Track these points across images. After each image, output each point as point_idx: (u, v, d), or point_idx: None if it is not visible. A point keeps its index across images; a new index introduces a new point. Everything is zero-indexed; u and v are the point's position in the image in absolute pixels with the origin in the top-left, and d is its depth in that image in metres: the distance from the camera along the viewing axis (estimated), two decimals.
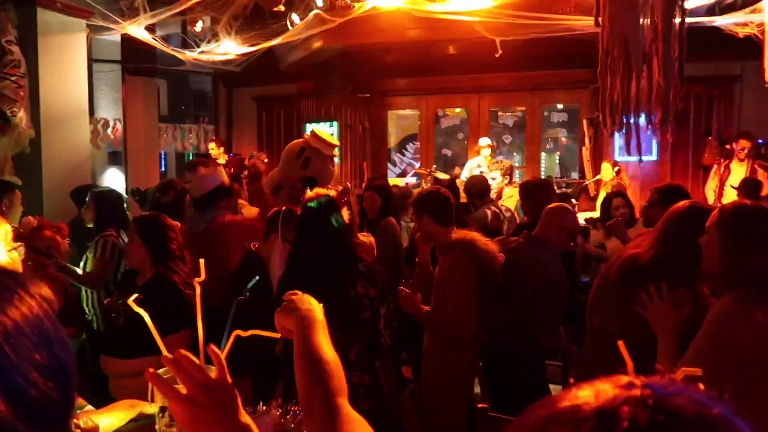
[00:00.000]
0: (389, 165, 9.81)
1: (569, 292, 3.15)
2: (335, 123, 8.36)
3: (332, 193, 2.40)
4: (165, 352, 1.25)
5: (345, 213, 2.37)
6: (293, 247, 2.41)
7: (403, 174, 9.26)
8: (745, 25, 4.94)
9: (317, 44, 6.76)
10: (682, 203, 2.08)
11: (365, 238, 3.19)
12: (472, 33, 5.53)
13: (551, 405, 0.46)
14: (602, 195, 6.88)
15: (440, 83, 8.77)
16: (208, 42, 6.32)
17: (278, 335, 1.22)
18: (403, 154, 10.39)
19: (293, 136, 7.08)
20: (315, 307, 1.09)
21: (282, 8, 5.93)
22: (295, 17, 6.01)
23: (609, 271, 2.12)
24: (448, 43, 7.44)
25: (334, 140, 3.84)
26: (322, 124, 8.12)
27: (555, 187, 4.23)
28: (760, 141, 6.51)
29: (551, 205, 3.16)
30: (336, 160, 8.32)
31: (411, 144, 10.28)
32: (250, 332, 1.23)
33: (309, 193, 2.43)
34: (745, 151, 6.10)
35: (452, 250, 2.74)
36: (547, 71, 8.02)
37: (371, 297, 2.27)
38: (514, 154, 10.48)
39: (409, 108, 9.73)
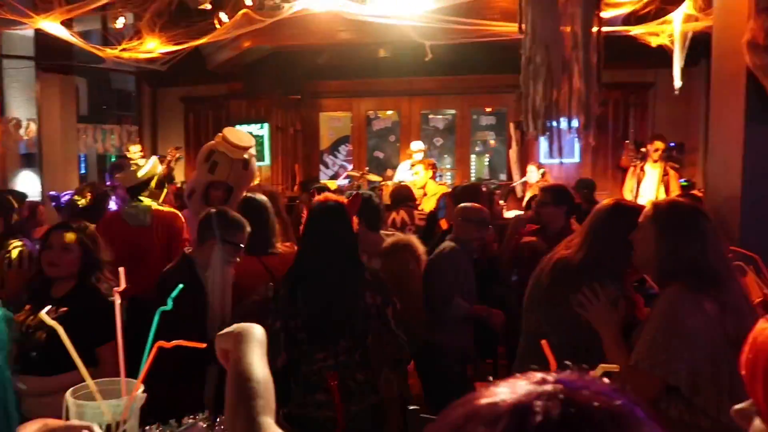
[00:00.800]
0: (321, 167, 9.75)
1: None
2: (266, 125, 8.22)
3: (342, 199, 2.40)
4: (82, 368, 1.19)
5: (354, 221, 2.40)
6: (300, 251, 2.39)
7: (335, 176, 9.22)
8: (657, 35, 5.24)
9: (246, 44, 6.63)
10: (607, 202, 2.15)
11: (287, 248, 3.08)
12: (402, 36, 5.58)
13: (470, 403, 0.48)
14: (529, 196, 7.14)
15: (372, 86, 8.81)
16: (131, 39, 6.05)
17: (203, 345, 1.18)
18: (336, 157, 10.36)
19: None
20: (255, 328, 1.06)
21: (209, 6, 5.77)
22: (223, 16, 5.86)
23: (542, 273, 2.17)
24: (379, 46, 7.48)
25: (247, 141, 3.71)
26: (252, 125, 7.96)
27: (485, 190, 4.29)
28: (672, 144, 6.93)
29: (463, 205, 3.27)
30: (265, 162, 8.20)
31: (343, 146, 10.26)
32: (173, 343, 1.19)
33: (318, 197, 2.46)
34: (659, 153, 6.46)
35: (398, 252, 2.79)
36: (476, 75, 8.22)
37: (378, 305, 2.29)
38: (445, 156, 10.67)
39: (341, 110, 9.71)
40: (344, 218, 2.30)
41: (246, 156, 3.61)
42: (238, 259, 2.60)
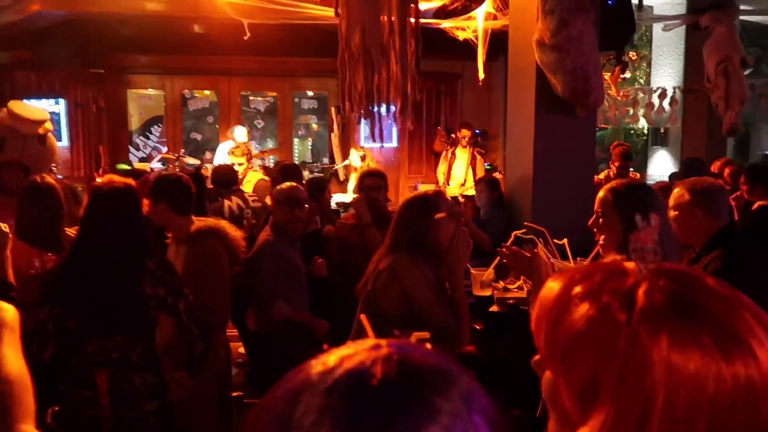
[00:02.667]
0: (131, 149, 8.97)
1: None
2: (62, 100, 7.32)
3: (130, 180, 2.22)
4: None
5: (145, 203, 2.18)
6: (77, 237, 2.17)
7: (148, 159, 8.54)
8: (464, 29, 5.66)
9: (34, 7, 5.79)
10: (413, 196, 2.35)
11: None
12: (217, 12, 5.32)
13: (303, 373, 0.48)
14: (352, 179, 7.33)
15: (186, 63, 8.28)
16: None
17: None
18: (148, 138, 9.60)
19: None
20: (4, 311, 0.91)
21: None
22: None
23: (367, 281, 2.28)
24: (193, 21, 7.06)
25: (40, 114, 3.31)
26: (44, 101, 7.03)
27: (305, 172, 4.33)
28: (477, 131, 7.59)
29: (278, 187, 3.26)
30: (63, 143, 7.32)
31: (156, 127, 9.54)
32: None
33: (102, 178, 2.22)
34: (466, 139, 7.03)
35: (204, 238, 2.65)
36: (297, 58, 8.16)
37: (161, 298, 2.14)
38: (267, 139, 10.48)
39: (152, 88, 9.00)
40: (128, 201, 2.15)
41: (41, 131, 3.18)
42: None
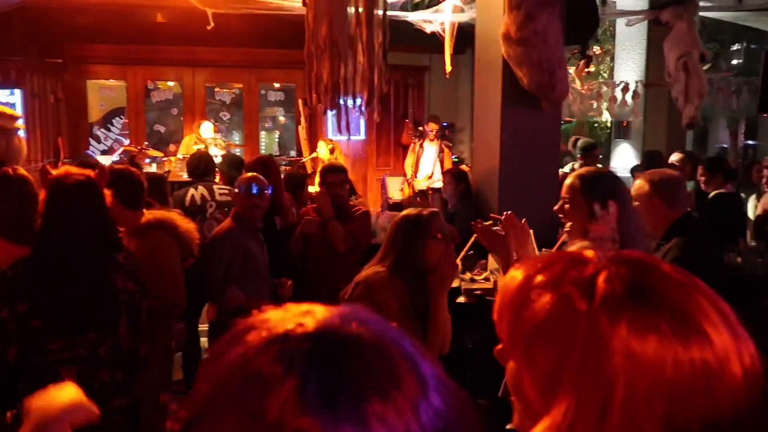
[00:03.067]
0: (92, 141, 8.73)
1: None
2: (17, 91, 7.08)
3: (89, 171, 2.16)
4: None
5: (107, 195, 2.12)
6: (40, 232, 2.09)
7: (109, 151, 8.33)
8: (431, 22, 5.67)
9: None
10: (409, 213, 2.36)
11: None
12: (180, 1, 5.20)
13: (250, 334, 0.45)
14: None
15: (149, 53, 8.09)
16: None
17: None
18: (109, 130, 9.34)
19: None
20: None
21: None
22: None
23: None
24: (155, 9, 6.90)
25: (10, 110, 3.23)
26: None
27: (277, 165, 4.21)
28: (445, 124, 7.62)
29: (241, 178, 3.21)
30: (21, 133, 7.09)
31: (118, 118, 9.30)
32: None
33: (59, 170, 2.14)
34: (434, 132, 7.06)
35: (152, 230, 2.63)
36: (263, 49, 8.05)
37: (130, 292, 2.10)
38: (233, 132, 10.33)
39: (114, 78, 8.77)
40: (91, 193, 2.09)
41: (17, 125, 3.10)
42: None
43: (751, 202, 5.58)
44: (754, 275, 3.81)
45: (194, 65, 8.34)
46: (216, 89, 9.75)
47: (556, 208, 2.11)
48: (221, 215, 3.88)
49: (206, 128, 7.05)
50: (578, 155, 5.90)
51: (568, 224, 2.05)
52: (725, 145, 12.19)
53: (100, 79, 8.76)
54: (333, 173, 3.65)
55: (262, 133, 9.86)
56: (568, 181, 2.09)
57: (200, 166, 4.23)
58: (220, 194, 4.05)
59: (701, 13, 5.92)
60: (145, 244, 2.59)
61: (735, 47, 11.92)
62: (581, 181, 2.04)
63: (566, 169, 5.66)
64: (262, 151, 9.38)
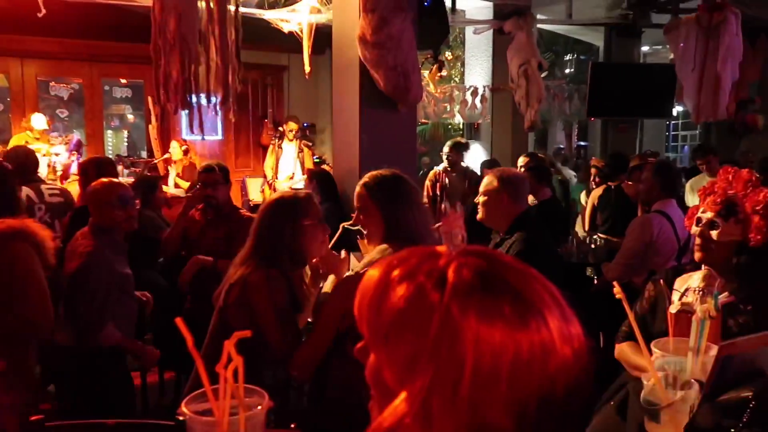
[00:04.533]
0: None
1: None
2: None
3: None
4: None
5: None
6: None
7: None
8: (288, 22, 5.60)
9: None
10: (279, 196, 2.15)
11: None
12: None
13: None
14: (173, 174, 6.90)
15: None
16: None
17: None
18: None
19: None
20: None
21: None
22: None
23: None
24: None
25: None
26: None
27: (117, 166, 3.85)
28: (306, 124, 7.59)
29: (94, 184, 2.78)
30: None
31: None
32: None
33: None
34: (293, 133, 6.99)
35: (11, 240, 2.26)
36: (107, 42, 7.44)
37: None
38: (74, 130, 9.43)
39: None
40: None
41: None
42: None
43: (583, 196, 6.24)
44: (586, 263, 4.27)
45: (23, 56, 7.49)
46: (51, 84, 8.85)
47: (352, 222, 2.11)
48: (51, 219, 3.49)
49: (39, 120, 6.25)
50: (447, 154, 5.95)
51: (367, 231, 2.04)
52: (562, 146, 13.49)
53: None
54: (205, 173, 3.37)
55: (108, 133, 9.12)
56: (356, 190, 2.09)
57: (28, 163, 3.72)
58: (51, 195, 3.61)
59: (539, 25, 6.47)
60: (3, 258, 2.23)
61: (567, 57, 13.25)
62: (366, 188, 2.05)
63: (439, 168, 5.75)
64: (109, 152, 8.69)
